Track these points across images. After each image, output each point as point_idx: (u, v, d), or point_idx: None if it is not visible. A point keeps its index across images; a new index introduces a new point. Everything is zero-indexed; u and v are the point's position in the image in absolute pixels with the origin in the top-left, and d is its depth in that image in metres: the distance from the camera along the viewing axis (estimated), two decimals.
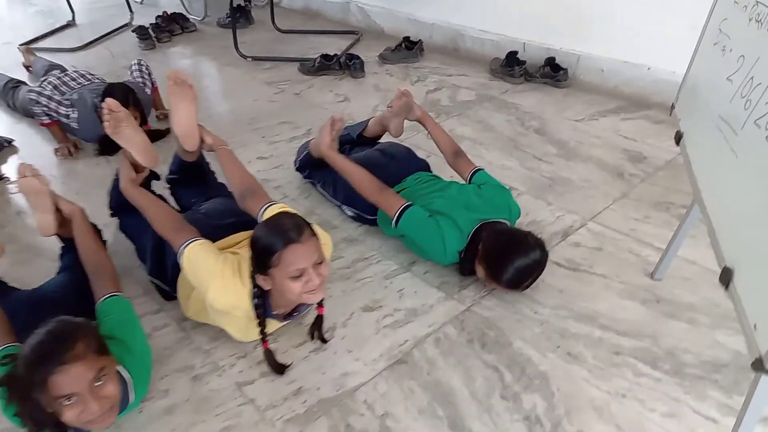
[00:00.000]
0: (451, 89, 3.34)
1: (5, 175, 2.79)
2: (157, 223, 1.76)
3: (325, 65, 3.57)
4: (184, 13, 4.67)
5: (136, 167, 1.97)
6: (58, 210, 1.88)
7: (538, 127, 2.89)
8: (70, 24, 4.80)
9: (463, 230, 1.88)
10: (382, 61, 3.73)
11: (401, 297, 1.90)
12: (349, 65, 3.54)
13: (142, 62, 3.07)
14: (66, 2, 4.82)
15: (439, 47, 3.85)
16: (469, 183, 2.09)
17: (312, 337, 1.74)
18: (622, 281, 1.91)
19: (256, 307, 1.58)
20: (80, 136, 2.92)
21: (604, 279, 1.92)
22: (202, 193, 2.12)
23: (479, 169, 2.11)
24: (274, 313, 1.65)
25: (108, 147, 2.77)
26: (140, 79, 3.01)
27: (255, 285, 1.56)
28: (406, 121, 2.33)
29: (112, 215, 2.14)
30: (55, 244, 2.04)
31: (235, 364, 1.71)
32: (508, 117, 3.00)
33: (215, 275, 1.57)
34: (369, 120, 2.43)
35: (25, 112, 3.16)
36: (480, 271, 1.84)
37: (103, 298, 1.62)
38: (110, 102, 1.88)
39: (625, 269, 1.95)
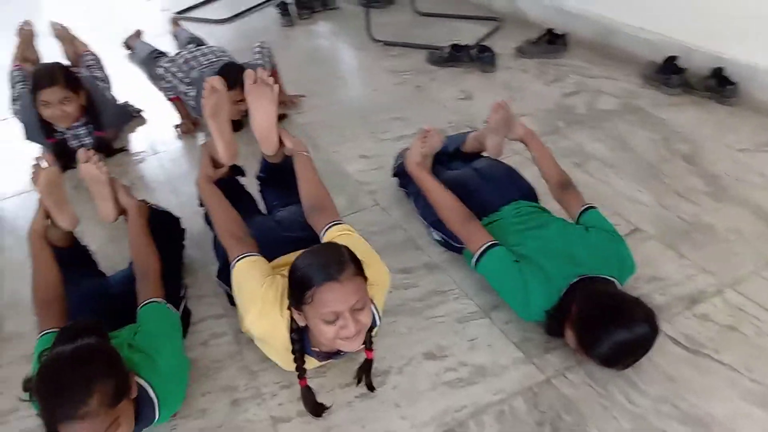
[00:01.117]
0: (591, 94, 2.92)
1: (127, 147, 2.92)
2: (219, 227, 1.69)
3: (454, 56, 3.30)
4: None
5: (216, 162, 1.90)
6: (118, 200, 1.87)
7: (688, 152, 2.41)
8: None
9: (555, 285, 1.57)
10: (518, 54, 3.38)
11: (472, 348, 1.65)
12: (479, 58, 3.24)
13: (264, 44, 3.02)
14: None
15: (587, 43, 3.40)
16: (578, 223, 1.77)
17: (358, 382, 1.56)
18: (754, 379, 1.49)
19: (293, 341, 1.44)
20: (197, 114, 2.96)
21: (731, 371, 1.51)
22: (286, 197, 2.01)
23: (591, 208, 1.77)
24: (313, 350, 1.49)
25: None
26: (260, 62, 2.97)
27: (292, 317, 1.42)
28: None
29: (200, 205, 2.11)
30: None
31: (277, 394, 1.59)
32: (653, 136, 2.54)
33: (256, 299, 1.46)
34: (469, 133, 2.16)
35: (157, 84, 3.28)
36: (570, 337, 1.53)
37: (143, 303, 1.57)
38: (214, 80, 1.81)
39: (763, 363, 1.53)
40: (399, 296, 1.83)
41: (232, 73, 2.66)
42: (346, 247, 1.38)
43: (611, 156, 2.44)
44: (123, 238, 2.22)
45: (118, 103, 3.08)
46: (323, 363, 1.57)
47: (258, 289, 1.45)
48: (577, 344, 1.51)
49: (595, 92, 2.94)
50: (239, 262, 1.53)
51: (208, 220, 2.08)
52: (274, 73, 3.06)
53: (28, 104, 2.68)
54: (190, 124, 2.96)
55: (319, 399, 1.52)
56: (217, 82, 1.82)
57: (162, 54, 3.47)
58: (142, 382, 1.37)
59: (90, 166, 1.80)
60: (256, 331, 1.48)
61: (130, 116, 3.11)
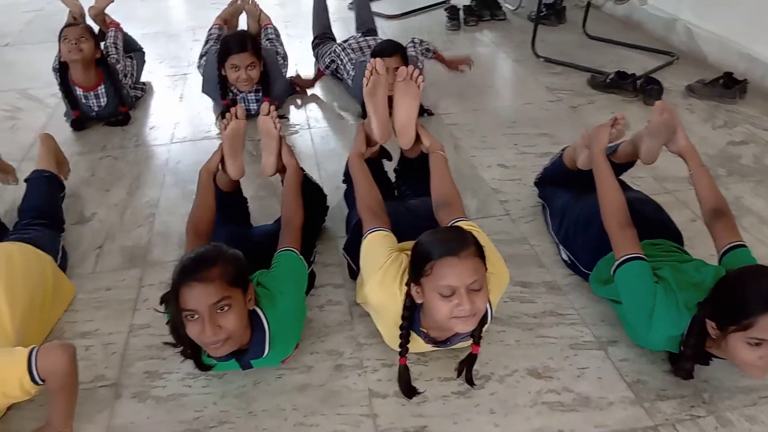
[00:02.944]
0: (762, 147, 2.69)
1: (287, 116, 3.13)
2: (361, 200, 1.78)
3: (618, 83, 3.17)
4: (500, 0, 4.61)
5: (369, 140, 1.99)
6: (280, 157, 2.00)
7: None
8: None
9: (684, 315, 1.47)
10: (688, 93, 3.18)
11: (579, 377, 1.60)
12: (645, 89, 3.10)
13: (415, 39, 3.14)
14: None
15: None
16: (721, 260, 1.64)
17: (459, 374, 1.57)
18: None
19: (403, 317, 1.49)
20: (351, 93, 3.12)
21: None
22: (418, 189, 2.06)
23: (740, 245, 1.63)
24: (422, 330, 1.53)
25: None
26: (413, 53, 3.06)
27: (408, 294, 1.46)
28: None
29: (344, 182, 2.21)
30: None
31: (378, 370, 1.65)
32: None
33: (379, 269, 1.53)
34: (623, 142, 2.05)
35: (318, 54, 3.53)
36: (718, 339, 1.39)
37: (280, 250, 1.69)
38: (378, 61, 1.92)
39: None
40: (513, 308, 1.81)
41: (390, 47, 2.82)
42: (470, 233, 1.43)
43: None
44: (266, 198, 2.42)
45: (286, 76, 3.31)
46: (429, 347, 1.60)
47: (382, 260, 1.53)
48: (731, 330, 1.35)
49: (766, 146, 2.70)
50: (371, 233, 1.61)
51: (347, 197, 2.19)
52: (436, 54, 3.20)
53: (212, 62, 2.97)
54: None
55: (415, 385, 1.56)
56: (379, 64, 1.92)
57: (330, 39, 3.67)
58: (259, 311, 1.50)
59: (268, 120, 1.97)
60: (372, 299, 1.56)
61: (294, 89, 3.33)
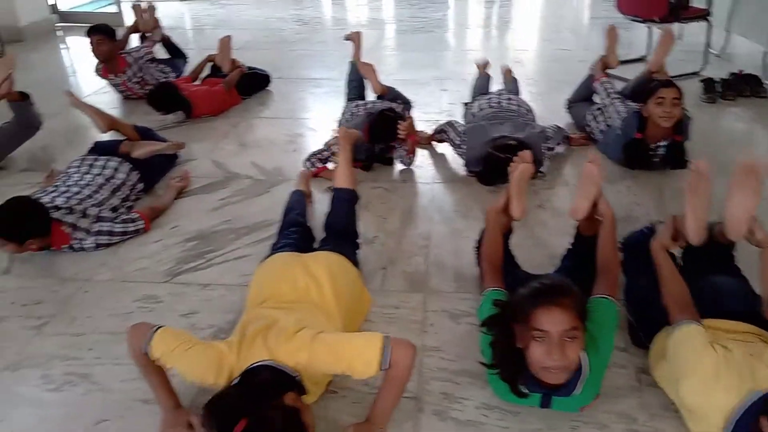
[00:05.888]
0: None
1: (543, 170, 3.18)
2: (667, 289, 1.77)
3: None
4: (760, 76, 4.34)
5: (676, 235, 1.93)
6: (595, 205, 2.03)
7: None
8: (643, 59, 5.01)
9: None
10: None
11: None
12: None
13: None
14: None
15: None
16: None
17: None
18: None
19: None
20: (608, 152, 3.17)
21: None
22: (718, 271, 1.99)
23: None
24: None
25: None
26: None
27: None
28: None
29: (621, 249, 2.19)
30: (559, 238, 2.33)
31: None
32: None
33: (695, 371, 1.52)
34: None
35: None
36: None
37: (596, 296, 1.74)
38: (702, 164, 1.88)
39: None
40: None
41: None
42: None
43: None
44: (531, 247, 2.47)
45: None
46: None
47: (701, 361, 1.51)
48: None
49: None
50: (685, 327, 1.60)
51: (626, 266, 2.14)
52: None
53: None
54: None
55: None
56: (703, 166, 1.86)
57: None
58: (582, 353, 1.56)
59: (593, 167, 2.03)
60: (689, 402, 1.56)
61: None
